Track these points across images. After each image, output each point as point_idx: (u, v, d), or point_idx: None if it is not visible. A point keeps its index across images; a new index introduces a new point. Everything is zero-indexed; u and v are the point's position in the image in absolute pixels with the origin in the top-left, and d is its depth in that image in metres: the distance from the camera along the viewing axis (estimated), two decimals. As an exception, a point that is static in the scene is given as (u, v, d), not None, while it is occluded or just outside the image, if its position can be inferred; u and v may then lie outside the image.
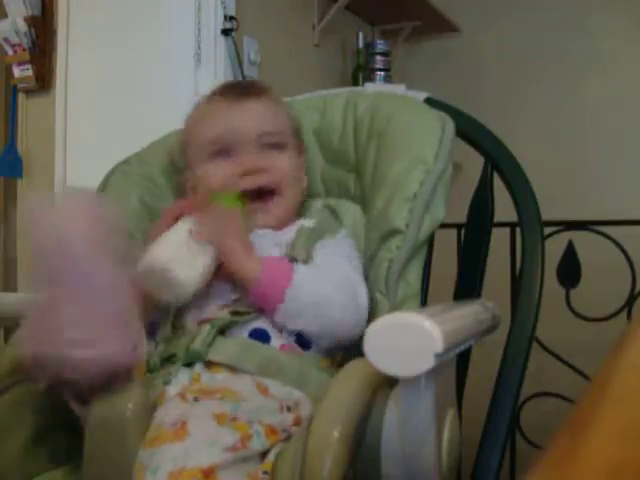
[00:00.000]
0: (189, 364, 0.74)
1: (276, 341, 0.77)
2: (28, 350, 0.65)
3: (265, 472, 0.60)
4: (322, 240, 0.83)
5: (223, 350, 0.75)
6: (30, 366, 0.66)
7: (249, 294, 0.77)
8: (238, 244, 0.78)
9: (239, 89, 0.90)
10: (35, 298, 0.66)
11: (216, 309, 0.78)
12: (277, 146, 0.88)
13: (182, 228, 0.78)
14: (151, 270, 0.74)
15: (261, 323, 0.78)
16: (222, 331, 0.76)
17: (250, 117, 0.87)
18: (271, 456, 0.62)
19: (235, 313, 0.77)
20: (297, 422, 0.68)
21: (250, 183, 0.85)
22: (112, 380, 0.66)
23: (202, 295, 0.81)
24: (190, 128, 0.91)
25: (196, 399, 0.64)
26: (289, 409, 0.69)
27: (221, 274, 0.78)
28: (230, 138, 0.86)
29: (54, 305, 0.64)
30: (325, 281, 0.77)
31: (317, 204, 0.93)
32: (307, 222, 0.86)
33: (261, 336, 0.77)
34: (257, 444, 0.61)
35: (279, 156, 0.87)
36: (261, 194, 0.86)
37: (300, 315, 0.76)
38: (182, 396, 0.65)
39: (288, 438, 0.65)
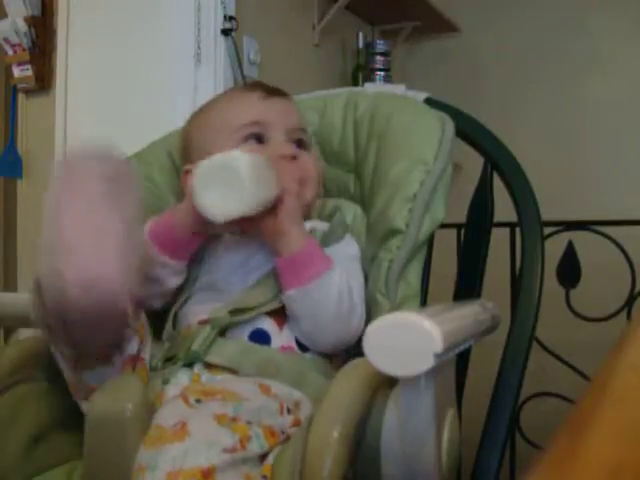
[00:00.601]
0: (189, 364, 0.75)
1: (276, 342, 0.77)
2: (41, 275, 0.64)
3: (264, 476, 0.60)
4: (332, 245, 0.83)
5: (222, 352, 0.75)
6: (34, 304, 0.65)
7: (279, 260, 0.76)
8: (299, 207, 0.77)
9: (268, 87, 0.90)
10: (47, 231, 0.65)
11: (216, 308, 0.78)
12: (303, 144, 0.88)
13: (260, 157, 0.75)
14: (222, 165, 0.71)
15: (261, 324, 0.78)
16: (222, 332, 0.76)
17: (286, 111, 0.87)
18: (270, 459, 0.62)
19: (235, 312, 0.77)
20: (296, 424, 0.68)
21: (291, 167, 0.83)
22: (106, 325, 0.64)
23: (206, 288, 0.81)
24: (214, 113, 0.89)
25: (198, 400, 0.64)
26: (289, 411, 0.69)
27: (252, 228, 0.77)
28: (266, 125, 0.85)
29: (59, 230, 0.63)
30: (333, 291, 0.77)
31: (328, 205, 0.93)
32: (319, 225, 0.86)
33: (261, 337, 0.77)
34: (256, 446, 0.61)
35: (305, 153, 0.87)
36: None
37: (308, 307, 0.76)
38: (184, 398, 0.65)
39: (287, 440, 0.65)
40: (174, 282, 0.81)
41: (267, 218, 0.75)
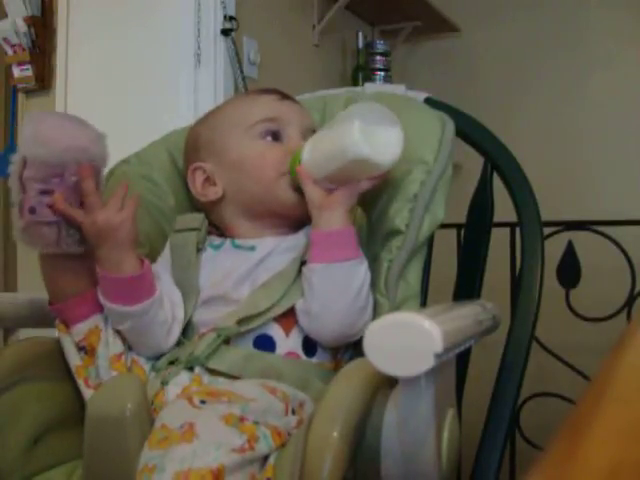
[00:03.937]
0: (190, 368, 0.75)
1: (281, 348, 0.77)
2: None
3: (268, 479, 0.60)
4: None
5: (224, 359, 0.74)
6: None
7: (316, 231, 0.77)
8: (356, 195, 0.78)
9: (282, 92, 0.90)
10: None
11: (223, 316, 0.78)
12: None
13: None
14: (373, 108, 0.76)
15: (267, 329, 0.77)
16: (227, 340, 0.76)
17: (301, 112, 0.88)
18: (271, 459, 0.62)
19: (242, 320, 0.76)
20: (300, 424, 0.68)
21: None
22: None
23: (217, 299, 0.80)
24: (226, 111, 0.90)
25: (203, 402, 0.64)
26: (294, 412, 0.69)
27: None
28: (282, 122, 0.85)
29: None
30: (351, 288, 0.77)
31: None
32: None
33: (266, 343, 0.77)
34: (264, 446, 0.61)
35: None
36: None
37: (327, 286, 0.75)
38: (189, 398, 0.65)
39: (291, 441, 0.65)
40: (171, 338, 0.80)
41: (319, 191, 0.77)
